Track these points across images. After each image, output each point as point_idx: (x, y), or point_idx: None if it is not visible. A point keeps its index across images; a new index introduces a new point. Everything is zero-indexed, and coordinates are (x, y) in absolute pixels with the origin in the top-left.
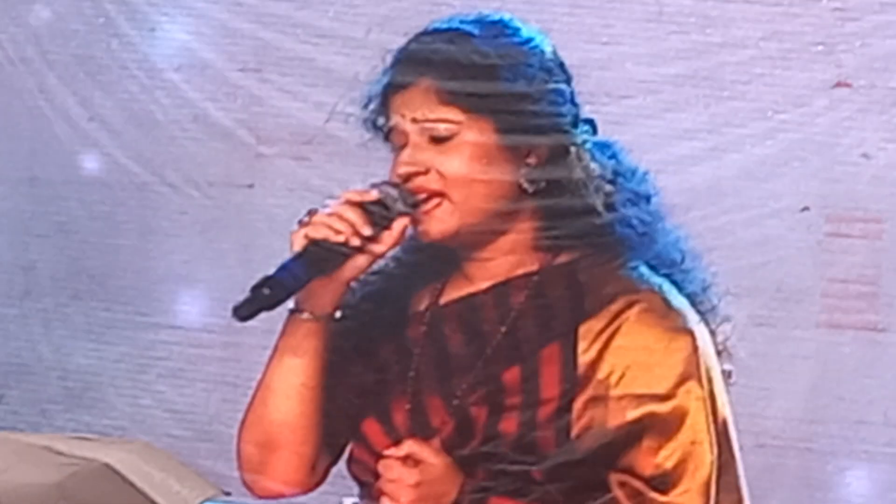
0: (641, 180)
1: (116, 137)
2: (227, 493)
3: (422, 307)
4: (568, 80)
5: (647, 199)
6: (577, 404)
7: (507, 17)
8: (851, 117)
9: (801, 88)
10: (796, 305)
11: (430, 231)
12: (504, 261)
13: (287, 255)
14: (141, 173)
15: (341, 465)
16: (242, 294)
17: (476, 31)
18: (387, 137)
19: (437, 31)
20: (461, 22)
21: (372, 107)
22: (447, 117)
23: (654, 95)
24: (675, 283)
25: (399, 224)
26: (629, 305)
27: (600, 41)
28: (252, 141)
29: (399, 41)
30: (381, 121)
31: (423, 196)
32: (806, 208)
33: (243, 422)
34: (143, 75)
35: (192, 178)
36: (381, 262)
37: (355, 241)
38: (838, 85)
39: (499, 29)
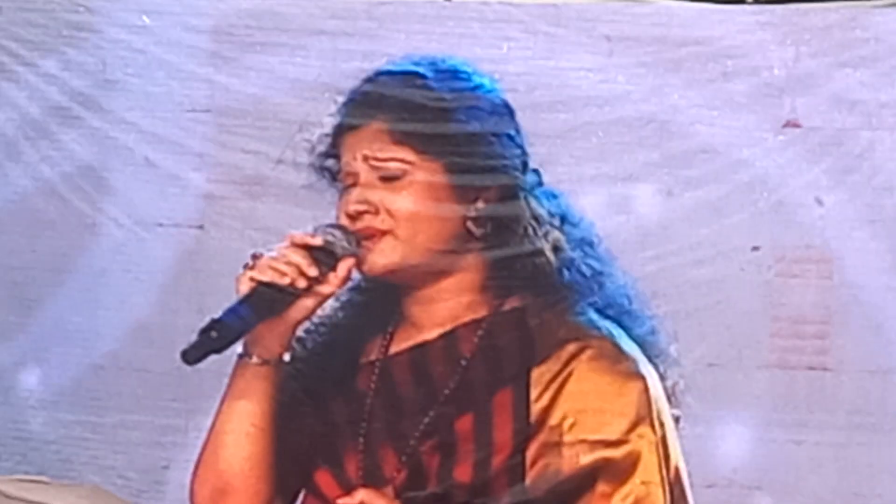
0: (587, 228)
1: (66, 177)
2: None
3: (372, 357)
4: (517, 128)
5: (592, 245)
6: (531, 451)
7: (458, 61)
8: (801, 157)
9: (750, 129)
10: (746, 346)
11: (373, 264)
12: (451, 304)
13: (232, 302)
14: (91, 214)
15: None
16: (193, 335)
17: (429, 74)
18: (335, 178)
19: (389, 72)
20: (414, 64)
21: (321, 148)
22: (398, 157)
23: (604, 137)
24: (623, 327)
25: (345, 265)
26: (580, 351)
27: (550, 84)
28: (202, 182)
29: (349, 84)
30: (330, 161)
31: (369, 236)
32: (756, 248)
33: (196, 466)
34: (93, 116)
35: (143, 219)
36: (329, 312)
37: (301, 283)
38: (788, 125)
39: (451, 72)
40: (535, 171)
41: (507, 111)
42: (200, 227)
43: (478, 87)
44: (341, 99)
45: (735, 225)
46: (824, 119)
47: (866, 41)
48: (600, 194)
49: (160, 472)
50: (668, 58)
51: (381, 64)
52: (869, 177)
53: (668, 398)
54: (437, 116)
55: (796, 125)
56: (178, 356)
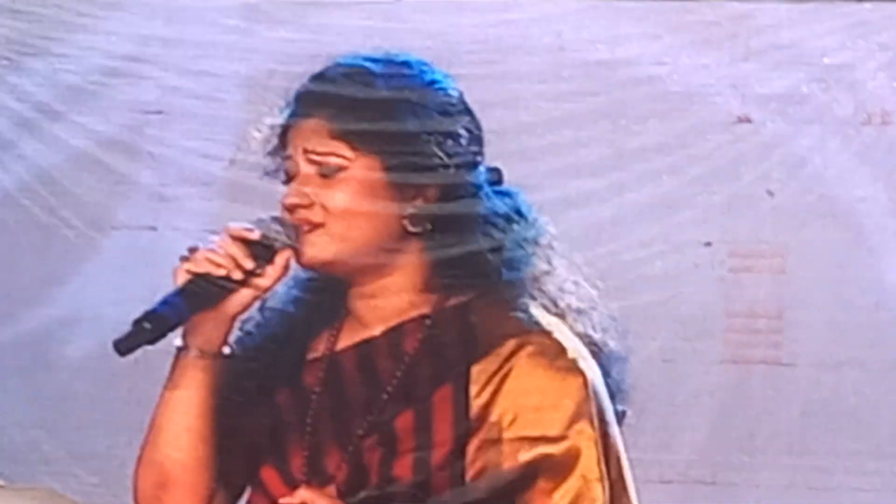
0: (539, 227)
1: (17, 180)
2: None
3: (318, 353)
4: (473, 127)
5: (539, 244)
6: (471, 447)
7: (413, 57)
8: (753, 152)
9: (702, 124)
10: (700, 341)
11: (305, 255)
12: (395, 300)
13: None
14: (42, 216)
15: None
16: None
17: (376, 69)
18: (285, 173)
19: (338, 66)
20: (364, 59)
21: (270, 146)
22: (336, 152)
23: (556, 132)
24: (567, 324)
25: (282, 257)
26: (520, 347)
27: (502, 80)
28: (154, 183)
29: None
30: (277, 159)
31: (305, 228)
32: (709, 243)
33: (138, 461)
34: (44, 117)
35: (95, 221)
36: (278, 306)
37: (237, 275)
38: (740, 120)
39: (400, 68)
40: (491, 170)
41: (462, 108)
42: (153, 228)
43: (429, 83)
44: (290, 95)
45: (687, 220)
46: (775, 114)
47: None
48: (553, 189)
49: (115, 472)
50: (619, 54)
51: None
52: (820, 171)
53: (613, 394)
54: (376, 113)
55: (748, 120)
56: (133, 356)
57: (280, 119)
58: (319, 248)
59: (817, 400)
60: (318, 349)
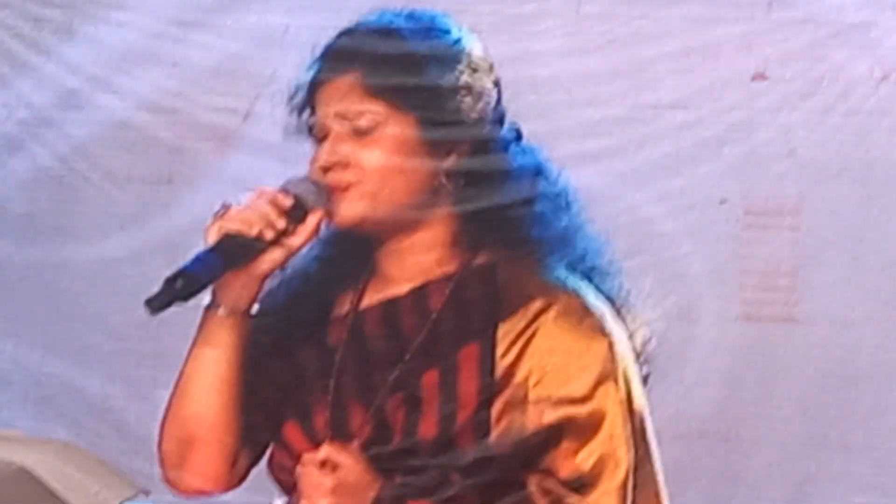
0: (562, 183)
1: (32, 133)
2: (147, 493)
3: (343, 311)
4: (496, 84)
5: (568, 203)
6: (496, 407)
7: (437, 14)
8: (769, 109)
9: (718, 81)
10: (715, 298)
11: (341, 216)
12: (423, 258)
13: (198, 251)
14: (57, 168)
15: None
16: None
17: (405, 27)
18: (311, 131)
19: (366, 25)
20: (393, 17)
21: (297, 99)
22: (370, 110)
23: (571, 89)
24: (593, 284)
25: (314, 217)
26: (547, 307)
27: (517, 35)
28: (170, 135)
29: (318, 37)
30: (305, 114)
31: (341, 186)
32: (724, 201)
33: (164, 418)
34: (63, 70)
35: (110, 172)
36: (303, 264)
37: (269, 235)
38: (756, 77)
39: (428, 25)
40: (513, 126)
41: (486, 66)
42: (169, 181)
43: (456, 41)
44: (317, 52)
45: (703, 178)
46: (792, 71)
47: None
48: (569, 146)
49: (131, 426)
50: (634, 10)
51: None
52: (836, 129)
53: (637, 356)
54: (410, 70)
55: (763, 77)
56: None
57: (307, 76)
58: (355, 206)
59: (832, 358)
60: (343, 307)
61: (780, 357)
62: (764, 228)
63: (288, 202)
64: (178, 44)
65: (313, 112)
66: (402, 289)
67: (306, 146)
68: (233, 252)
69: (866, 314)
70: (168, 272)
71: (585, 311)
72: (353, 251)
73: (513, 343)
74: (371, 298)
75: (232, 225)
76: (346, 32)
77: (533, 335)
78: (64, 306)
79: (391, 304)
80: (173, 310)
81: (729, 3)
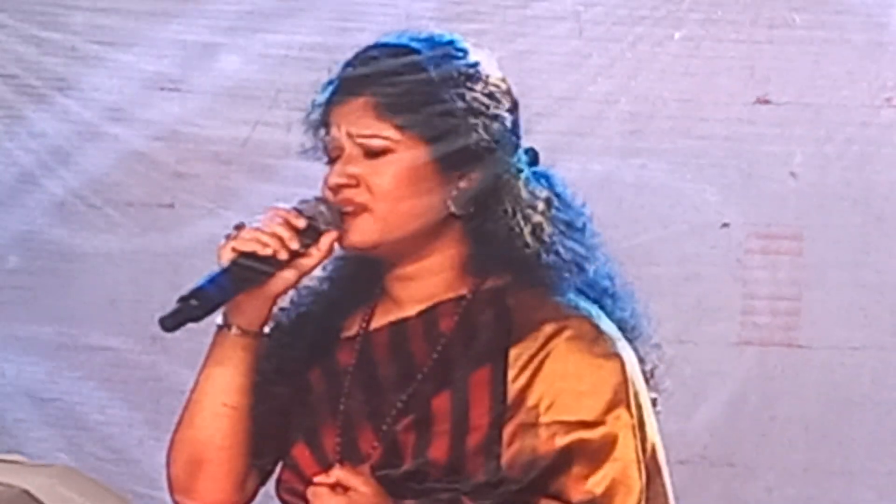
0: (576, 209)
1: (34, 156)
2: None
3: (353, 332)
4: (512, 108)
5: (581, 229)
6: (507, 431)
7: (457, 37)
8: (771, 134)
9: (721, 105)
10: (717, 322)
11: (349, 240)
12: (431, 283)
13: (212, 271)
14: (60, 193)
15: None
16: (163, 309)
17: (423, 50)
18: (325, 150)
19: (385, 45)
20: (410, 39)
21: (312, 118)
22: (381, 133)
23: (574, 113)
24: (605, 309)
25: (327, 239)
26: (559, 331)
27: (520, 60)
28: (171, 160)
29: (319, 62)
30: (322, 132)
31: (349, 209)
32: (726, 224)
33: (172, 441)
34: (60, 94)
35: (111, 198)
36: (313, 284)
37: (283, 255)
38: (758, 101)
39: (446, 49)
40: (529, 151)
41: (505, 90)
42: (171, 205)
43: (472, 65)
44: (337, 69)
45: (705, 201)
46: (794, 95)
47: None
48: (571, 171)
49: (132, 451)
50: (636, 34)
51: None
52: (840, 153)
53: (647, 381)
54: (424, 95)
55: (766, 101)
56: (150, 335)
57: (323, 96)
58: (364, 231)
59: (834, 382)
60: (353, 328)
61: (782, 382)
62: (765, 253)
63: (301, 223)
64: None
65: (328, 130)
66: (411, 311)
67: (305, 169)
68: (246, 273)
69: (868, 339)
70: (171, 296)
71: (597, 335)
72: (364, 273)
73: (524, 367)
74: (380, 320)
75: (245, 245)
76: (365, 51)
77: (545, 359)
78: (66, 329)
79: (400, 326)
80: (174, 334)
81: (730, 25)
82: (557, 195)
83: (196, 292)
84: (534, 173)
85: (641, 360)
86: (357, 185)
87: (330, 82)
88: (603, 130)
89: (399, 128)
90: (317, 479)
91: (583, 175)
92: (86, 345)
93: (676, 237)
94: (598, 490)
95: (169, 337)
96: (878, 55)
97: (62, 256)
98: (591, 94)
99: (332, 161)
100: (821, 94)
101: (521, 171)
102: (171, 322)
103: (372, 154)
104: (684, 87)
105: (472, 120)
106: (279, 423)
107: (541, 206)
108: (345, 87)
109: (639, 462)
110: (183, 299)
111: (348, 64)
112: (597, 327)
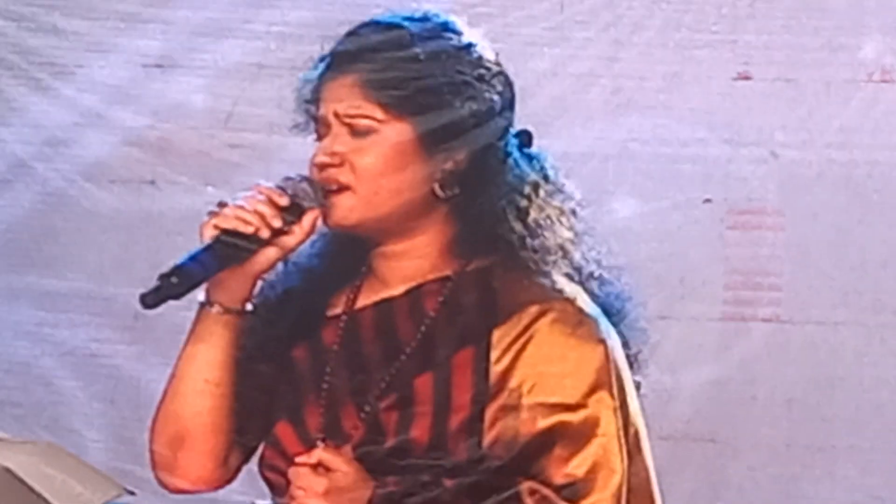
0: (566, 195)
1: (16, 134)
2: (132, 493)
3: (338, 310)
4: (504, 91)
5: (570, 214)
6: (489, 412)
7: (451, 18)
8: (752, 109)
9: (702, 81)
10: (699, 298)
11: (332, 218)
12: (417, 263)
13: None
14: (41, 170)
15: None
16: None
17: (414, 29)
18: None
19: (377, 23)
20: (403, 18)
21: (305, 92)
22: (367, 113)
23: (554, 90)
24: (590, 293)
25: (309, 217)
26: (542, 314)
27: (501, 38)
28: (152, 137)
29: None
30: (312, 109)
31: (333, 188)
32: (708, 200)
33: (155, 417)
34: (40, 70)
35: (93, 175)
36: (301, 260)
37: (265, 233)
38: (740, 77)
39: (438, 30)
40: (520, 133)
41: (497, 72)
42: (152, 182)
43: (465, 46)
44: (328, 46)
45: (686, 178)
46: (776, 71)
47: None
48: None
49: (116, 427)
50: (617, 10)
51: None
52: (821, 129)
53: (631, 365)
54: (410, 72)
55: (747, 77)
56: (133, 311)
57: (315, 72)
58: (347, 210)
59: (816, 358)
60: (338, 306)
61: (764, 358)
62: (747, 229)
63: (284, 201)
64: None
65: (318, 107)
66: (396, 290)
67: (287, 146)
68: (227, 250)
69: (850, 315)
70: (153, 273)
71: (581, 318)
72: (351, 250)
73: (508, 348)
74: (366, 299)
75: (228, 223)
76: (354, 32)
77: (528, 341)
78: (47, 307)
79: (386, 305)
80: (157, 311)
81: (711, 1)
82: (546, 178)
83: (177, 269)
84: (526, 156)
85: (626, 345)
86: (341, 165)
87: (322, 58)
88: (584, 107)
89: (384, 106)
90: (298, 460)
91: (565, 152)
92: (68, 322)
93: (658, 213)
94: (580, 472)
95: (151, 313)
96: (860, 31)
97: (43, 233)
98: (572, 71)
99: (320, 138)
100: (802, 70)
101: (509, 154)
102: (152, 299)
103: (357, 133)
104: (666, 63)
105: (458, 100)
106: (263, 401)
107: (527, 189)
108: (335, 63)
109: (621, 445)
110: (164, 277)
111: (340, 42)
112: (580, 310)
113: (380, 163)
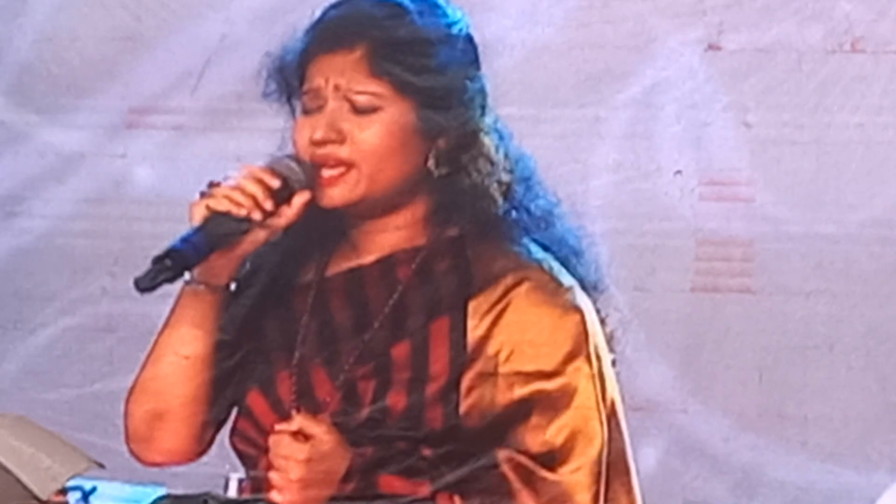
0: (530, 168)
1: None
2: (101, 466)
3: (308, 278)
4: (479, 66)
5: (538, 183)
6: (466, 381)
7: None
8: (722, 79)
9: (672, 51)
10: (670, 269)
11: (334, 197)
12: (394, 235)
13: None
14: (11, 135)
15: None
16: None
17: (411, 6)
18: (290, 97)
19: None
20: None
21: (290, 60)
22: (373, 90)
23: (522, 59)
24: (568, 266)
25: (299, 199)
26: (519, 282)
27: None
28: (123, 110)
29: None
30: (294, 80)
31: (331, 165)
32: (679, 172)
33: (132, 388)
34: (13, 42)
35: (62, 151)
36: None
37: (257, 216)
38: (710, 47)
39: (430, 7)
40: (491, 111)
41: (473, 49)
42: (123, 156)
43: (452, 23)
44: (317, 14)
45: (657, 148)
46: (746, 41)
47: None
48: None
49: (87, 402)
50: None
51: None
52: (791, 98)
53: (607, 341)
54: (419, 53)
55: (717, 47)
56: (103, 287)
57: (300, 43)
58: (349, 190)
59: (787, 328)
60: (308, 274)
61: (735, 328)
62: (718, 199)
63: (276, 182)
64: None
65: (304, 78)
66: (368, 258)
67: (259, 121)
68: (220, 232)
69: (821, 285)
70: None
71: (557, 287)
72: (322, 221)
73: (484, 317)
74: (337, 266)
75: (220, 205)
76: (349, 5)
77: (504, 309)
78: (19, 281)
79: (356, 273)
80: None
81: None
82: (510, 152)
83: (170, 252)
84: (497, 133)
85: (602, 321)
86: (342, 142)
87: (308, 29)
88: (555, 79)
89: (391, 84)
90: (278, 427)
91: (535, 125)
92: (39, 295)
93: (629, 184)
94: (558, 441)
95: (120, 288)
96: (831, 1)
97: (13, 202)
98: (542, 44)
99: (307, 112)
100: (773, 40)
101: (488, 129)
102: (145, 282)
103: (359, 110)
104: (636, 34)
105: (459, 79)
106: (233, 372)
107: (510, 164)
108: (330, 36)
109: (599, 412)
110: (157, 259)
111: (330, 14)
112: (556, 279)
113: (385, 141)
